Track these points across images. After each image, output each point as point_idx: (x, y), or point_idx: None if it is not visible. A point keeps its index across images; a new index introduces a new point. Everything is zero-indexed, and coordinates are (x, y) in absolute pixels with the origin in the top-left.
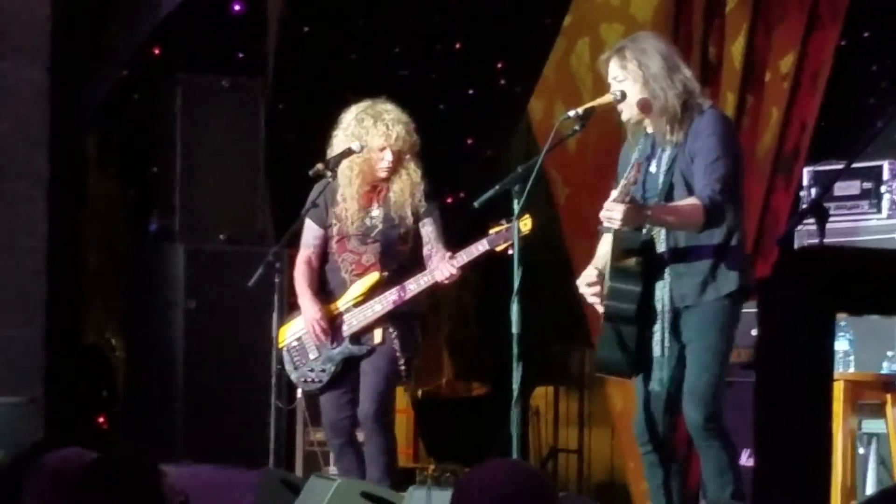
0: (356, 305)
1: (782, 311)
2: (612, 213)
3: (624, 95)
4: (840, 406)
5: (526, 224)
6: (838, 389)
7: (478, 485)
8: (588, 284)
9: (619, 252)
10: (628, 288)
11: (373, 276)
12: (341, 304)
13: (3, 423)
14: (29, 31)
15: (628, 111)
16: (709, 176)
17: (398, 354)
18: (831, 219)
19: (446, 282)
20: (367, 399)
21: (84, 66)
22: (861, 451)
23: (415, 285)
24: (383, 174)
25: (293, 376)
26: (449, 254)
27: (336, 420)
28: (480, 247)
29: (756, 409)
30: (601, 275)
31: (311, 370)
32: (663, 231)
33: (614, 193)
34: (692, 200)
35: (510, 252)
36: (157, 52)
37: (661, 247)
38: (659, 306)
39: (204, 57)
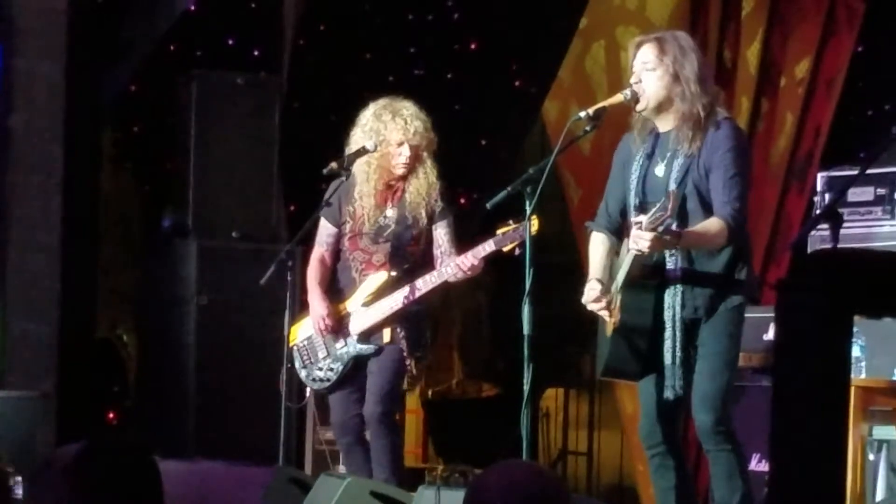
0: (365, 305)
1: (799, 313)
2: (640, 243)
3: (635, 96)
4: (851, 412)
5: (534, 224)
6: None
7: (494, 485)
8: (594, 300)
9: (634, 268)
10: (643, 302)
11: (381, 276)
12: (350, 303)
13: (15, 417)
14: (45, 26)
15: (644, 103)
16: (728, 193)
17: (406, 355)
18: (845, 224)
19: (469, 273)
20: (373, 400)
21: (100, 62)
22: (871, 457)
23: (425, 284)
24: (401, 170)
25: (302, 375)
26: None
27: (344, 419)
28: (487, 247)
29: (772, 413)
30: (604, 286)
31: (320, 369)
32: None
33: (644, 219)
34: (717, 223)
35: (517, 252)
36: (172, 48)
37: (674, 264)
38: (669, 314)
39: (219, 54)
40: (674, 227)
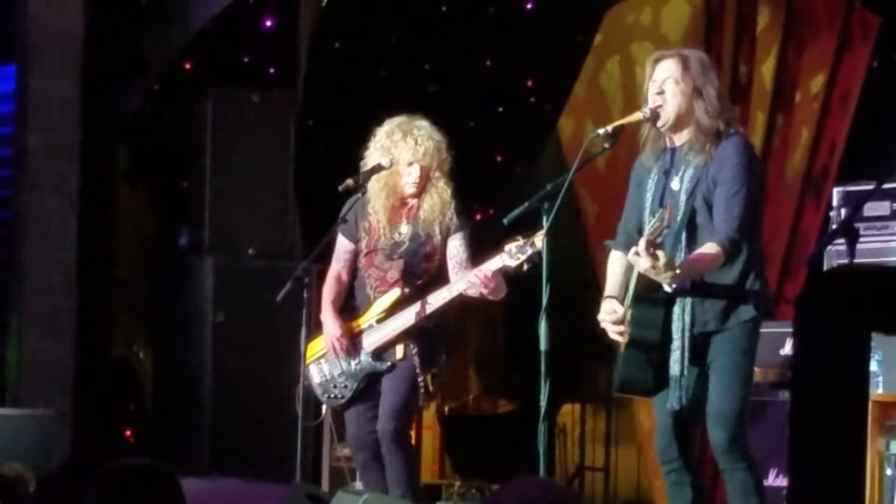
0: (379, 322)
1: (818, 329)
2: (639, 262)
3: (654, 114)
4: (868, 427)
5: (539, 241)
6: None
7: (508, 502)
8: (613, 322)
9: (643, 281)
10: (652, 316)
11: (394, 293)
12: (364, 320)
13: (31, 435)
14: (60, 45)
15: (666, 117)
16: (729, 211)
17: (418, 371)
18: (861, 240)
19: (486, 290)
20: (386, 417)
21: (115, 80)
22: (889, 472)
23: (436, 300)
24: (410, 189)
25: (318, 391)
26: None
27: (360, 435)
28: (496, 262)
29: (791, 429)
30: (620, 304)
31: (335, 386)
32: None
33: (647, 229)
34: (713, 248)
35: (525, 269)
36: (188, 66)
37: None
38: (678, 325)
39: (235, 72)
40: (683, 237)
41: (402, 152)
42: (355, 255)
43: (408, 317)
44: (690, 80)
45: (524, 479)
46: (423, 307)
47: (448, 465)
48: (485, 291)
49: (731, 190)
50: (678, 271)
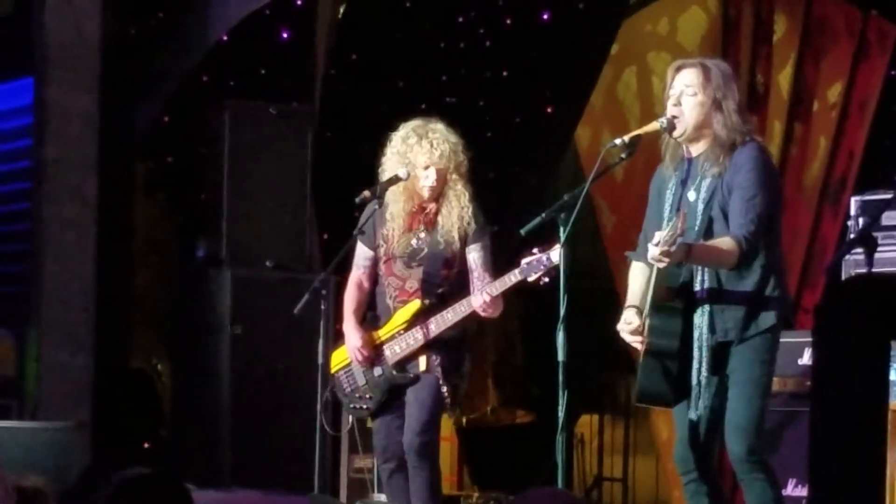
0: (400, 333)
1: (837, 339)
2: (661, 261)
3: (671, 124)
4: (888, 435)
5: (555, 254)
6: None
7: None
8: (631, 333)
9: (660, 290)
10: (670, 325)
11: (414, 304)
12: (385, 331)
13: (51, 447)
14: (79, 58)
15: (682, 128)
16: (745, 215)
17: (441, 382)
18: (879, 249)
19: (483, 314)
20: (412, 431)
21: (133, 92)
22: None
23: (451, 314)
24: (427, 193)
25: (343, 402)
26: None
27: (386, 445)
28: (513, 277)
29: (811, 438)
30: (640, 315)
31: (359, 396)
32: (705, 270)
33: (662, 235)
34: (728, 242)
35: (543, 282)
36: (205, 78)
37: (701, 285)
38: (696, 334)
39: (252, 84)
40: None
41: (417, 156)
42: (375, 262)
43: (428, 328)
44: (711, 92)
45: (538, 490)
46: (442, 319)
47: (466, 476)
48: (482, 315)
49: (747, 194)
50: (691, 249)
